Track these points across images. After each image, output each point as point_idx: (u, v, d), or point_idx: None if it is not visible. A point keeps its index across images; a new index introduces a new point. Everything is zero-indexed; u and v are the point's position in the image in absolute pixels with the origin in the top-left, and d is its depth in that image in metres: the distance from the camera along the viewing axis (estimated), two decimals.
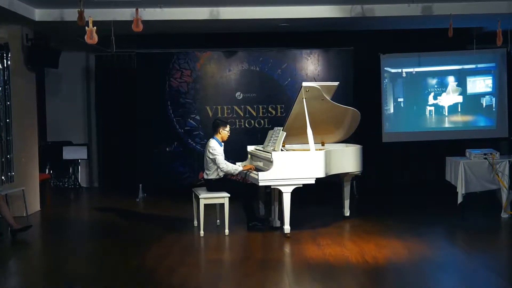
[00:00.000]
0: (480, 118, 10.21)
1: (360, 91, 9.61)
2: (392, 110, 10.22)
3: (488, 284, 4.86)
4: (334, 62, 9.56)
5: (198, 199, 6.68)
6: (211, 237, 6.60)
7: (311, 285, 4.82)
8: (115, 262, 5.62)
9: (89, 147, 10.62)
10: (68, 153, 10.33)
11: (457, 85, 10.15)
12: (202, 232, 6.59)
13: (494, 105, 10.11)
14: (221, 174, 6.77)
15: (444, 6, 7.93)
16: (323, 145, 7.48)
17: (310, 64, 9.51)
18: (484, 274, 5.09)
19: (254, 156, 7.32)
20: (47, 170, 10.13)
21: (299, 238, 6.35)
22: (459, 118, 10.19)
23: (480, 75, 10.17)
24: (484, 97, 10.16)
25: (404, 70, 10.20)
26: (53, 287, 4.99)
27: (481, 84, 10.17)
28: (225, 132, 6.89)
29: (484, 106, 10.15)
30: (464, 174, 7.32)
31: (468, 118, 10.17)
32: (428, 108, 10.20)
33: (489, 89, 10.15)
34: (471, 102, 10.16)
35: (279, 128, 7.03)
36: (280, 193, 6.52)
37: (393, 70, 10.24)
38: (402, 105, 10.26)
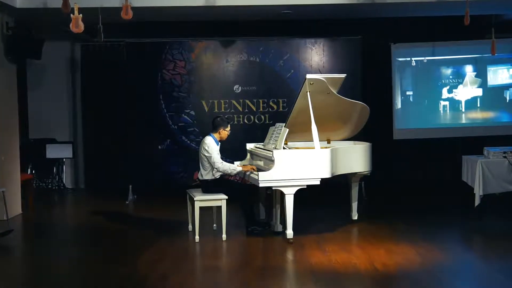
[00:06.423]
0: (503, 114, 9.88)
1: (369, 84, 9.63)
2: (399, 105, 10.05)
3: None
4: (340, 52, 9.59)
5: (193, 201, 6.69)
6: (207, 242, 6.62)
7: None
8: (103, 269, 5.64)
9: (75, 145, 10.64)
10: (52, 152, 10.34)
11: (476, 76, 9.88)
12: (197, 237, 6.60)
13: None
14: (218, 174, 6.79)
15: None
16: (329, 142, 7.50)
17: (315, 54, 9.54)
18: (503, 282, 5.10)
19: (254, 154, 7.34)
20: (29, 170, 10.15)
21: (302, 244, 6.37)
22: (478, 114, 9.88)
23: (502, 64, 9.80)
24: (508, 89, 9.83)
25: (414, 58, 9.91)
26: None
27: (504, 75, 9.80)
28: (225, 132, 6.90)
29: (507, 101, 9.80)
30: (481, 174, 7.33)
31: (489, 114, 9.87)
32: (442, 103, 9.93)
33: None
34: (493, 96, 9.83)
35: (281, 124, 7.05)
36: (282, 194, 6.53)
37: (400, 59, 9.97)
38: (411, 99, 10.03)
